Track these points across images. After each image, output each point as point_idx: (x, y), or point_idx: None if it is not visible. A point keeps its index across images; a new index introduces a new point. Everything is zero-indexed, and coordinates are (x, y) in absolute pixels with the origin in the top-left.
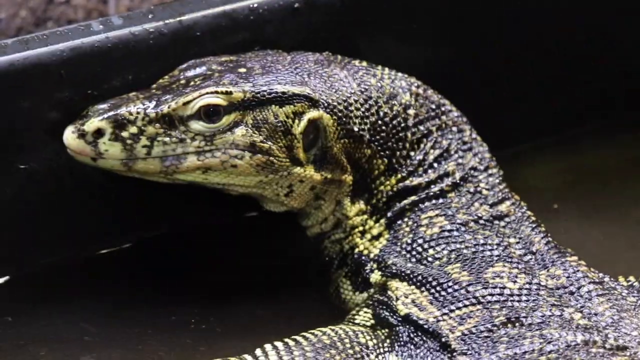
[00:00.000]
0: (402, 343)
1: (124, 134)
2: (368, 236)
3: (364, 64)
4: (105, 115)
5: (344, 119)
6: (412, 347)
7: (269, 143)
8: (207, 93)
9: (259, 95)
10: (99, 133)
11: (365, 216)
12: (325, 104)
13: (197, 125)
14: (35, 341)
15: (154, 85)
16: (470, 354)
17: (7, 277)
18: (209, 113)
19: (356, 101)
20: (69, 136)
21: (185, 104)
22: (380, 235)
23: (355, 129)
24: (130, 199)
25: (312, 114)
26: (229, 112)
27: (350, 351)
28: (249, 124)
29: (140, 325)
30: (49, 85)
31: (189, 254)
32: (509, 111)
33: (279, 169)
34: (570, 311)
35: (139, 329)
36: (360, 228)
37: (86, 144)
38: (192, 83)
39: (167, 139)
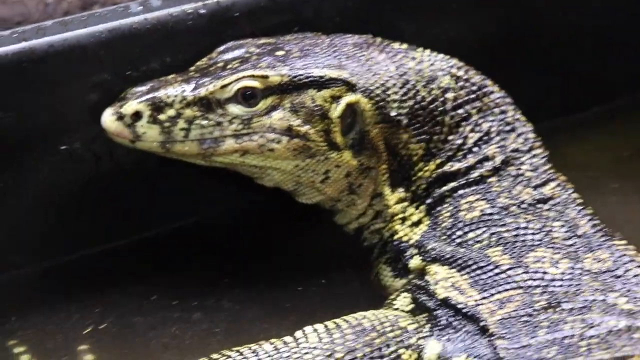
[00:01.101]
0: (441, 327)
1: (162, 116)
2: (408, 223)
3: (404, 46)
4: (144, 98)
5: (382, 103)
6: (451, 330)
7: (306, 127)
8: (245, 77)
9: (296, 79)
10: (137, 116)
11: (406, 203)
12: (363, 88)
13: (234, 109)
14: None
15: (192, 68)
16: (509, 338)
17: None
18: (247, 96)
19: (394, 85)
20: (107, 119)
21: (223, 87)
22: (420, 221)
23: (393, 113)
24: (173, 182)
25: (350, 98)
26: (266, 96)
27: (390, 335)
28: (286, 107)
29: (186, 306)
30: (88, 67)
31: (226, 240)
32: (554, 84)
33: (315, 154)
34: (615, 296)
35: (183, 311)
36: (401, 215)
37: (124, 127)
38: (229, 66)
39: (204, 122)
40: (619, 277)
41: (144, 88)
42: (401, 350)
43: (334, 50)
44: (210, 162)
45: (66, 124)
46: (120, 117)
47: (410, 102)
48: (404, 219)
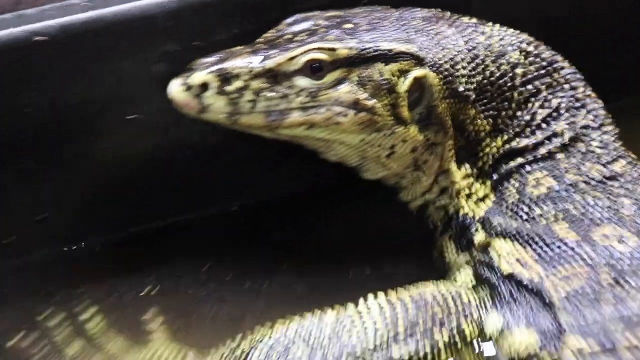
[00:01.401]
0: (503, 302)
1: (229, 88)
2: (474, 198)
3: (474, 20)
4: (211, 69)
5: (450, 78)
6: (514, 305)
7: (373, 101)
8: (313, 49)
9: (364, 52)
10: (204, 87)
11: (471, 179)
12: (432, 62)
13: (301, 81)
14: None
15: (260, 39)
16: (575, 314)
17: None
18: (314, 69)
19: (463, 59)
20: (175, 89)
21: (291, 59)
22: (485, 197)
23: (461, 88)
24: (238, 159)
25: (418, 72)
26: (333, 69)
27: (453, 309)
28: (354, 81)
29: (254, 281)
30: (155, 37)
31: (289, 220)
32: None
33: (382, 128)
34: None
35: (251, 284)
36: (466, 191)
37: (192, 97)
38: (297, 38)
39: (271, 94)
40: None
41: (211, 59)
42: (463, 324)
43: (402, 24)
44: (276, 135)
45: (134, 94)
46: (188, 88)
47: (479, 77)
48: (469, 195)
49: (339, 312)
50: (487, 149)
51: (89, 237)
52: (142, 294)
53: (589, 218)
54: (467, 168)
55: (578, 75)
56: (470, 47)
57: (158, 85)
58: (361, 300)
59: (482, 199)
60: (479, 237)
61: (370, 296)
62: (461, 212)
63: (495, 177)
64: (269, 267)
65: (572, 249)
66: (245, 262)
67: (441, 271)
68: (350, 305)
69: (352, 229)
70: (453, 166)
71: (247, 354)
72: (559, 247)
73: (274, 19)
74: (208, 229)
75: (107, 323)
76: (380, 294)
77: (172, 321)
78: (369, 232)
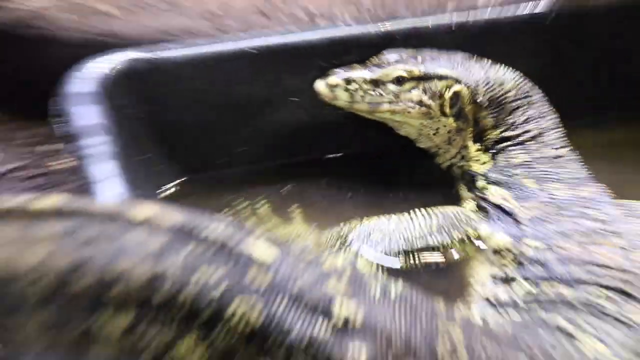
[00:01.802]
0: (492, 219)
1: (350, 87)
2: (480, 162)
3: (489, 61)
4: (340, 76)
5: (473, 92)
6: (498, 221)
7: (430, 101)
8: (399, 69)
9: (428, 73)
10: (335, 85)
11: (480, 152)
12: (465, 82)
13: (391, 87)
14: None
15: (369, 62)
16: (531, 228)
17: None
18: (399, 80)
19: (481, 83)
20: (319, 85)
21: (386, 74)
22: (486, 162)
23: (479, 99)
24: (344, 129)
25: (456, 87)
26: (409, 81)
27: (464, 220)
28: (420, 89)
29: (352, 194)
30: (313, 57)
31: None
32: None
33: (433, 117)
34: (592, 212)
35: (350, 196)
36: (476, 158)
37: (328, 91)
38: (389, 62)
39: (372, 93)
40: (590, 204)
41: (341, 70)
42: (468, 228)
43: (450, 59)
44: (373, 116)
45: (296, 88)
46: (327, 85)
47: (489, 94)
48: (477, 160)
49: (400, 216)
50: (490, 136)
51: (265, 162)
52: (286, 194)
53: (545, 177)
54: (477, 145)
55: (544, 98)
56: (486, 77)
57: (310, 83)
58: (412, 211)
59: (484, 163)
60: (481, 183)
61: (418, 209)
62: (472, 170)
63: (493, 151)
64: (361, 187)
65: (534, 193)
66: (347, 186)
67: (457, 202)
68: (406, 213)
69: (411, 176)
70: (470, 143)
71: (347, 234)
72: (526, 192)
73: (377, 51)
74: (323, 166)
75: (270, 210)
76: (423, 209)
77: (304, 211)
78: (408, 183)
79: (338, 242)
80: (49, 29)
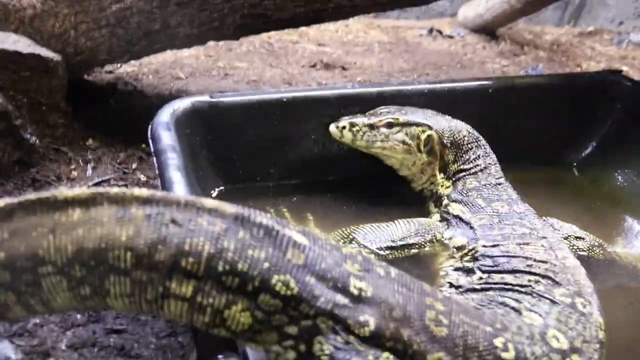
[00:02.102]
0: (452, 226)
1: (353, 129)
2: (444, 186)
3: (449, 117)
4: (347, 121)
5: (440, 136)
6: (457, 228)
7: (410, 141)
8: (388, 118)
9: (409, 121)
10: (343, 127)
11: (444, 179)
12: (435, 129)
13: (383, 130)
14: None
15: (367, 113)
16: (482, 232)
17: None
18: (389, 125)
19: (446, 130)
20: (332, 127)
21: (379, 120)
22: (449, 187)
23: (445, 141)
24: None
25: (429, 132)
26: (396, 126)
27: (433, 226)
28: (404, 132)
29: (348, 209)
30: (328, 108)
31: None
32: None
33: (411, 153)
34: (521, 223)
35: (348, 210)
36: (441, 183)
37: (337, 131)
38: (382, 113)
39: (370, 134)
40: (522, 216)
41: (347, 117)
42: (436, 232)
43: (424, 113)
44: (369, 151)
45: (313, 131)
46: (336, 127)
47: (451, 138)
48: (442, 185)
49: (388, 223)
50: (451, 168)
51: (287, 180)
52: (300, 205)
53: (490, 198)
54: (442, 175)
55: (486, 143)
56: (449, 125)
57: (324, 125)
58: (396, 220)
59: (447, 187)
60: (445, 202)
61: (400, 219)
62: (438, 192)
63: (453, 179)
64: (355, 202)
65: (483, 208)
66: (345, 201)
67: (426, 215)
68: (392, 222)
69: (384, 199)
70: (437, 173)
71: (350, 234)
72: (477, 207)
73: (373, 107)
74: (327, 185)
75: (289, 215)
76: (403, 219)
77: (316, 219)
78: (390, 201)
79: (342, 240)
80: (137, 86)
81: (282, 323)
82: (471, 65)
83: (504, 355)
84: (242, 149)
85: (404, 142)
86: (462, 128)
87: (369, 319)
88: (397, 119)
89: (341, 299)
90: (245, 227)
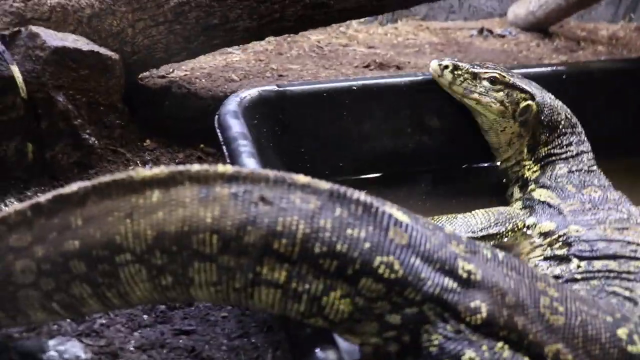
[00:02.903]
0: (537, 212)
1: (456, 71)
2: (531, 170)
3: (553, 96)
4: (451, 62)
5: (540, 110)
6: (542, 213)
7: (508, 104)
8: (494, 72)
9: (515, 84)
10: (446, 67)
11: (532, 163)
12: (537, 101)
13: (485, 83)
14: None
15: (473, 63)
16: (573, 217)
17: None
18: (491, 80)
19: (547, 107)
20: (434, 63)
21: (485, 72)
22: (536, 171)
23: (542, 117)
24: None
25: (530, 102)
26: (500, 84)
27: (513, 215)
28: (505, 92)
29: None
30: (400, 96)
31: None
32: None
33: (505, 117)
34: (620, 207)
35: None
36: (529, 166)
37: (438, 69)
38: (488, 67)
39: (470, 82)
40: (617, 202)
41: (451, 58)
42: (517, 221)
43: (532, 84)
44: (462, 100)
45: (384, 121)
46: (439, 64)
47: (549, 117)
48: (530, 169)
49: (466, 214)
50: (541, 150)
51: (359, 173)
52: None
53: (581, 184)
54: (530, 156)
55: (582, 131)
56: (552, 104)
57: (397, 115)
58: (475, 211)
59: (535, 172)
60: (531, 186)
61: (478, 210)
62: (525, 175)
63: (542, 163)
64: (430, 195)
65: (573, 194)
66: (421, 193)
67: (506, 205)
68: (470, 212)
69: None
70: (525, 150)
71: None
72: (567, 193)
73: (447, 96)
74: (391, 182)
75: None
76: (482, 209)
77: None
78: (466, 193)
79: None
80: (190, 89)
81: (384, 311)
82: (528, 62)
83: (630, 348)
84: (309, 141)
85: (501, 103)
86: (562, 111)
87: (481, 305)
88: (504, 76)
89: (450, 282)
90: (342, 204)
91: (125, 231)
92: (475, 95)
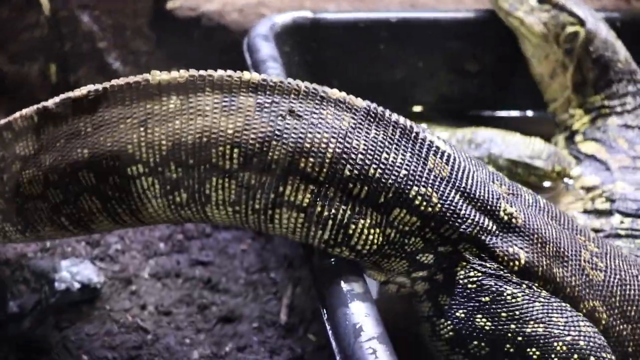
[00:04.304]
0: (584, 164)
1: None
2: (580, 121)
3: (615, 35)
4: None
5: (589, 39)
6: (589, 165)
7: (551, 26)
8: None
9: (565, 6)
10: None
11: (581, 111)
12: (587, 28)
13: (532, 2)
14: None
15: None
16: (621, 174)
17: None
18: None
19: (600, 39)
20: None
21: None
22: (585, 123)
23: (591, 49)
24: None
25: (579, 28)
26: (548, 4)
27: (566, 158)
28: (551, 14)
29: None
30: (441, 32)
31: None
32: None
33: (547, 41)
34: None
35: None
36: (577, 117)
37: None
38: None
39: (518, 2)
40: None
41: None
42: (566, 165)
43: (586, 9)
44: (507, 19)
45: (421, 58)
46: None
47: (602, 52)
48: (579, 120)
49: (524, 136)
50: (589, 99)
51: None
52: None
53: (635, 140)
54: (580, 103)
55: None
56: (606, 38)
57: (436, 52)
58: (533, 137)
59: (584, 124)
60: (579, 138)
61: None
62: (573, 127)
63: (592, 115)
64: None
65: (625, 150)
66: None
67: None
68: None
69: None
70: (572, 93)
71: (470, 133)
72: (618, 148)
73: (493, 33)
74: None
75: None
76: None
77: None
78: None
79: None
80: (220, 22)
81: (416, 248)
82: None
83: None
84: (343, 74)
85: (545, 25)
86: (620, 51)
87: (519, 252)
88: None
89: (489, 223)
90: (379, 125)
91: (139, 140)
92: (519, 14)
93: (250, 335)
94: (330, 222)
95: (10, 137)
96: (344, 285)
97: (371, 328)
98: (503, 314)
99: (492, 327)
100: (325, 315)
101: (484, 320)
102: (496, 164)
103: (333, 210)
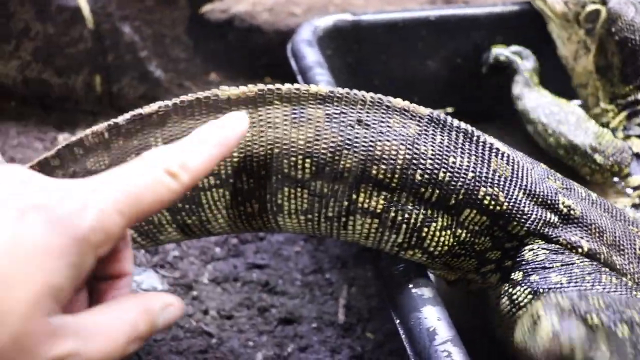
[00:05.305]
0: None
1: None
2: (617, 120)
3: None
4: None
5: (612, 19)
6: (636, 165)
7: (572, 5)
8: None
9: None
10: None
11: (613, 107)
12: (609, 7)
13: None
14: None
15: None
16: None
17: None
18: None
19: (625, 19)
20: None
21: None
22: (622, 120)
23: (614, 30)
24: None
25: (599, 7)
26: None
27: (626, 151)
28: None
29: None
30: (479, 29)
31: None
32: None
33: (568, 20)
34: None
35: None
36: (612, 115)
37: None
38: None
39: None
40: None
41: None
42: (622, 159)
43: None
44: (533, 1)
45: (460, 56)
46: None
47: (626, 34)
48: (613, 117)
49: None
50: (618, 89)
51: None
52: None
53: None
54: (608, 95)
55: None
56: (633, 20)
57: (469, 48)
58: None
59: (620, 121)
60: (619, 135)
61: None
62: (610, 125)
63: (628, 111)
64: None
65: None
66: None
67: None
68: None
69: None
70: (597, 79)
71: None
72: None
73: (533, 28)
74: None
75: None
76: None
77: None
78: None
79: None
80: (253, 23)
81: (485, 247)
82: None
83: None
84: (384, 74)
85: (566, 3)
86: None
87: (581, 241)
88: None
89: (552, 217)
90: (443, 130)
91: None
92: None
93: (311, 335)
94: (404, 226)
95: (82, 152)
96: (415, 290)
97: (444, 331)
98: (576, 270)
99: (567, 280)
100: (397, 320)
101: (558, 276)
102: (553, 138)
103: (406, 215)
